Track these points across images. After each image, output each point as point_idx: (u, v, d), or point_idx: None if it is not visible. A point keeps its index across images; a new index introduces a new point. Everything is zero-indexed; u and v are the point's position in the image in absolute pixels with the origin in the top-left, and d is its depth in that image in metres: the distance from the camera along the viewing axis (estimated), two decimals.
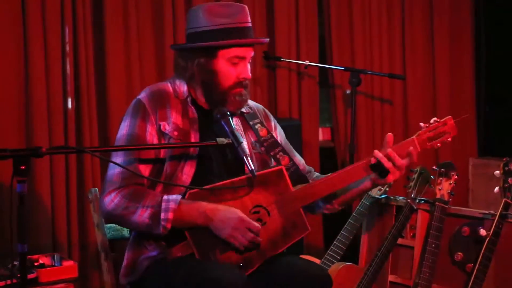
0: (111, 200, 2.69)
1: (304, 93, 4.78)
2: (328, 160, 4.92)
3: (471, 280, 3.34)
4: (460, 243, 3.53)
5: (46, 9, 3.91)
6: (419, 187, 3.59)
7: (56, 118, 3.95)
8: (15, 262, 3.28)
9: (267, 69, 4.69)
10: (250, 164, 2.65)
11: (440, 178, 3.51)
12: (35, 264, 3.53)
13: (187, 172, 2.75)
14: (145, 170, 2.74)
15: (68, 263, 3.55)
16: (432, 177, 3.56)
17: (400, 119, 5.13)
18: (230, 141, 2.68)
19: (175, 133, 2.77)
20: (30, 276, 3.38)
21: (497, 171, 3.39)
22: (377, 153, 2.75)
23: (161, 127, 2.76)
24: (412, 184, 3.59)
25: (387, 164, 2.74)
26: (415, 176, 3.60)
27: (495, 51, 5.36)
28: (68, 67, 4.02)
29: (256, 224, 2.66)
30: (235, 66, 2.77)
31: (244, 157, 2.65)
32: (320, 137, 4.98)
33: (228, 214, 2.64)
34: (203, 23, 2.75)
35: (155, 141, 2.76)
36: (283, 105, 4.69)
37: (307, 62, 4.61)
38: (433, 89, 5.24)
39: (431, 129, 2.84)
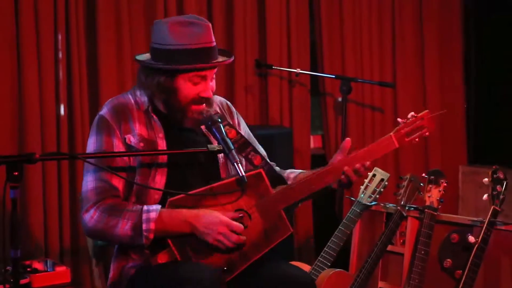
0: (91, 217, 2.71)
1: (295, 101, 4.80)
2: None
3: (460, 286, 3.36)
4: (449, 250, 3.55)
5: (39, 16, 3.92)
6: (409, 194, 3.61)
7: (49, 124, 3.96)
8: (8, 267, 3.29)
9: (259, 77, 4.70)
10: (241, 170, 2.67)
11: (430, 186, 3.53)
12: (28, 269, 3.54)
13: (158, 181, 2.76)
14: (118, 182, 2.75)
15: (60, 269, 3.57)
16: (421, 184, 3.59)
17: (391, 127, 5.10)
18: (221, 148, 2.70)
19: (141, 144, 2.76)
20: (23, 281, 3.40)
21: (486, 179, 3.42)
22: (348, 170, 2.89)
23: (126, 140, 2.76)
24: (402, 191, 3.61)
25: (354, 178, 2.88)
26: (405, 183, 3.62)
27: (484, 58, 5.39)
28: (61, 73, 4.03)
29: (238, 224, 2.68)
30: (196, 85, 2.74)
31: (235, 163, 2.67)
32: (311, 145, 5.00)
33: (211, 219, 2.66)
34: (166, 40, 2.71)
35: None
36: (274, 113, 4.71)
37: (298, 70, 4.64)
38: (423, 97, 5.27)
39: (409, 125, 2.89)
